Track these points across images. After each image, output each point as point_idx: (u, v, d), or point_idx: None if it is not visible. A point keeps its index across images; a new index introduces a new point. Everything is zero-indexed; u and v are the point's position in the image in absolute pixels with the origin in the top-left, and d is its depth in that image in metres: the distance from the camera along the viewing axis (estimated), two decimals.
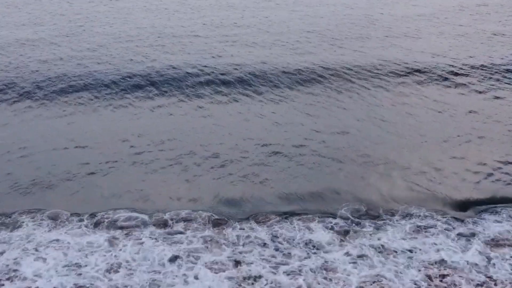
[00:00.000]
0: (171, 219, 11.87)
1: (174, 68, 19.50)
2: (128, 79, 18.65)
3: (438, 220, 11.90)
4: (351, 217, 11.93)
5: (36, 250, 10.94)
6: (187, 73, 19.07)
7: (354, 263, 10.54)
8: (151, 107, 17.26)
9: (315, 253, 10.81)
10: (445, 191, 12.93)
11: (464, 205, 12.48)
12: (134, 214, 12.14)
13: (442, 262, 10.55)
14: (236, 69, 19.42)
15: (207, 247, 10.95)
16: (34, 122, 16.45)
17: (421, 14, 29.28)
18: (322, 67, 19.73)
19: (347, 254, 10.77)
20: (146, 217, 11.99)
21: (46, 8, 28.62)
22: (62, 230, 11.59)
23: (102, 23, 25.49)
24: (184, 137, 15.50)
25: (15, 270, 10.34)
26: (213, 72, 19.09)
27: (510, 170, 13.77)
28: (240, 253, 10.83)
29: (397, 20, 27.61)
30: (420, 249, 10.93)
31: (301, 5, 30.95)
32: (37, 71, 19.15)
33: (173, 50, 21.64)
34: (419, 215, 12.03)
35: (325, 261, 10.56)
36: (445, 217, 12.01)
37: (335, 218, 11.92)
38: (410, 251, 10.87)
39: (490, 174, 13.57)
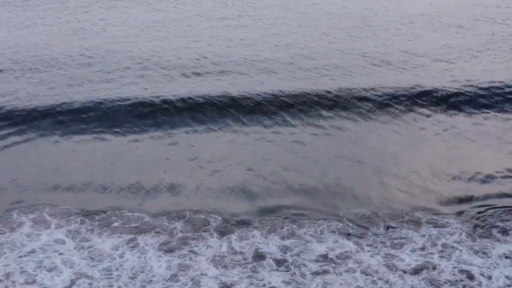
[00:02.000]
0: (175, 226, 11.30)
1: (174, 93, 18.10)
2: (131, 102, 17.26)
3: (448, 225, 11.44)
4: (357, 225, 11.44)
5: (37, 256, 10.37)
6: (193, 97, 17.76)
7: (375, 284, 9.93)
8: (148, 129, 16.19)
9: (332, 267, 10.20)
10: (444, 194, 12.72)
11: (463, 207, 12.22)
12: (137, 215, 11.69)
13: None
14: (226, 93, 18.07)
15: (214, 260, 10.30)
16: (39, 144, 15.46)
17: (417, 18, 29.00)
18: (320, 90, 18.39)
19: (367, 276, 10.01)
20: (150, 219, 11.53)
21: (49, 27, 25.61)
22: (65, 233, 11.05)
23: (106, 45, 23.00)
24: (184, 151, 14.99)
25: (13, 282, 9.74)
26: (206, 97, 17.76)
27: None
28: (251, 269, 10.14)
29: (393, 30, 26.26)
30: (443, 270, 10.24)
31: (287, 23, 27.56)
32: (38, 95, 17.67)
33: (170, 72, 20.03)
34: (428, 222, 11.53)
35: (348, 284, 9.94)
36: (454, 221, 11.58)
37: (341, 222, 11.46)
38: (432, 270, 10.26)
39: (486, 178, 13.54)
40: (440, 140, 15.71)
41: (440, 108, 17.60)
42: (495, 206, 12.35)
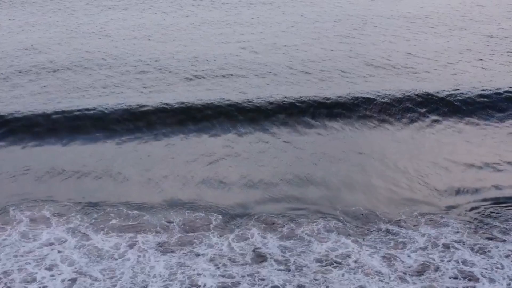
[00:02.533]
0: (174, 224, 11.19)
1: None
2: (128, 105, 16.81)
3: (448, 224, 11.30)
4: (357, 224, 11.31)
5: (36, 254, 10.24)
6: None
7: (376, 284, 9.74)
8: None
9: (333, 267, 10.05)
10: (443, 194, 12.63)
11: (462, 207, 12.12)
12: (136, 213, 11.63)
13: None
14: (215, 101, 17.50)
15: (214, 260, 10.15)
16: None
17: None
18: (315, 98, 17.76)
19: (367, 277, 9.85)
20: (149, 218, 11.44)
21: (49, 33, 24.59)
22: (64, 231, 10.93)
23: (103, 48, 22.36)
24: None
25: (12, 280, 9.59)
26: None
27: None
28: (252, 269, 9.97)
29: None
30: (444, 271, 10.01)
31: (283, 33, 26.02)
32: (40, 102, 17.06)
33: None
34: (427, 222, 11.39)
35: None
36: (454, 220, 11.45)
37: (340, 222, 11.34)
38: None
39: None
40: (437, 142, 15.54)
41: (439, 111, 17.38)
42: (494, 205, 12.22)
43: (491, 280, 9.75)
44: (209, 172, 13.54)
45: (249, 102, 17.20)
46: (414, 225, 11.38)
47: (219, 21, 27.59)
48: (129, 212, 11.72)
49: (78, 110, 16.33)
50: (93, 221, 11.40)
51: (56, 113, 16.19)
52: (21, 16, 27.39)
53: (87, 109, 16.42)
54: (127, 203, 12.09)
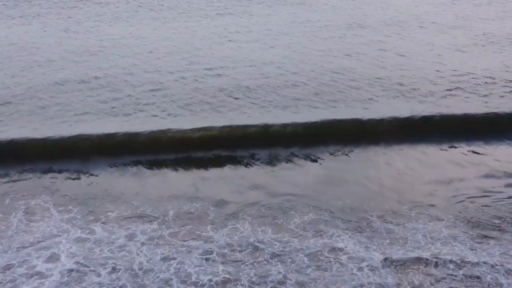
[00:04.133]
0: (171, 217, 11.19)
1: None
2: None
3: (445, 222, 11.19)
4: (352, 220, 11.21)
5: (36, 245, 10.27)
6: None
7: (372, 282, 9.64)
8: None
9: (329, 263, 9.97)
10: (441, 192, 12.47)
11: (459, 205, 11.94)
12: (133, 203, 11.65)
13: None
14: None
15: (211, 253, 10.09)
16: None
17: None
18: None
19: (364, 273, 9.81)
20: (147, 210, 11.46)
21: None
22: (64, 222, 10.98)
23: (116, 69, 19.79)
24: None
25: (12, 272, 9.58)
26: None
27: None
28: (248, 263, 9.93)
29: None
30: (443, 268, 9.90)
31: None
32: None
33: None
34: (425, 220, 11.25)
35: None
36: (451, 218, 11.37)
37: (335, 219, 11.26)
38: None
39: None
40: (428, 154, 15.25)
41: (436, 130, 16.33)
42: (490, 203, 12.07)
43: (492, 279, 9.67)
44: (206, 170, 13.61)
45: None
46: (408, 221, 11.21)
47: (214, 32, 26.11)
48: (128, 204, 11.71)
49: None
50: (92, 212, 11.39)
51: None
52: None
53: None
54: (125, 196, 12.09)
